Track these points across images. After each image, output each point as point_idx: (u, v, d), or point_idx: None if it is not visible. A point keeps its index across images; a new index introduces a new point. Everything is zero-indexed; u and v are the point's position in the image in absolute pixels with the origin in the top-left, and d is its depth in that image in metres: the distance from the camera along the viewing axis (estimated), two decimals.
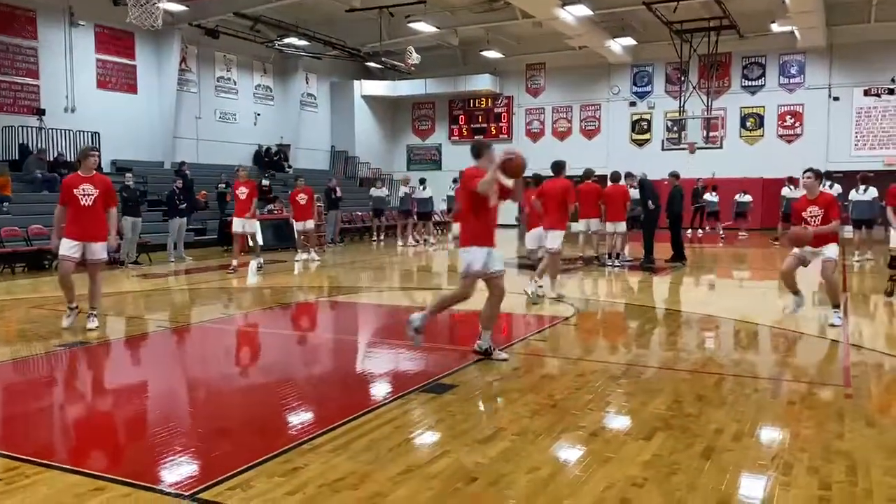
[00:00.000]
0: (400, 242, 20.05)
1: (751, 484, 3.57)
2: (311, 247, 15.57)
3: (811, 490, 3.43)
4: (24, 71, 18.48)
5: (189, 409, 5.20)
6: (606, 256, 14.15)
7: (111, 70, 20.62)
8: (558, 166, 10.05)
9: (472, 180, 5.85)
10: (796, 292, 7.81)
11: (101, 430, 4.71)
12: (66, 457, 3.95)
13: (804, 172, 7.69)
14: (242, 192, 13.34)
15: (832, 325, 7.43)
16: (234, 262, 13.31)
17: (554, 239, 9.72)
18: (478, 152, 6.13)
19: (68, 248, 7.38)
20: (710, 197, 21.48)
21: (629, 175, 14.88)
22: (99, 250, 7.53)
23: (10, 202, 15.12)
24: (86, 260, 7.49)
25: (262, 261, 13.53)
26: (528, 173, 7.34)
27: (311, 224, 15.62)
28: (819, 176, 7.65)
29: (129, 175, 15.28)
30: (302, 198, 15.38)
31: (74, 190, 7.38)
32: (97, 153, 7.87)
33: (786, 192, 19.35)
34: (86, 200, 7.40)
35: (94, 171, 7.62)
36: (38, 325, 7.91)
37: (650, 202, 13.85)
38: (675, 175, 14.73)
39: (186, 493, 3.37)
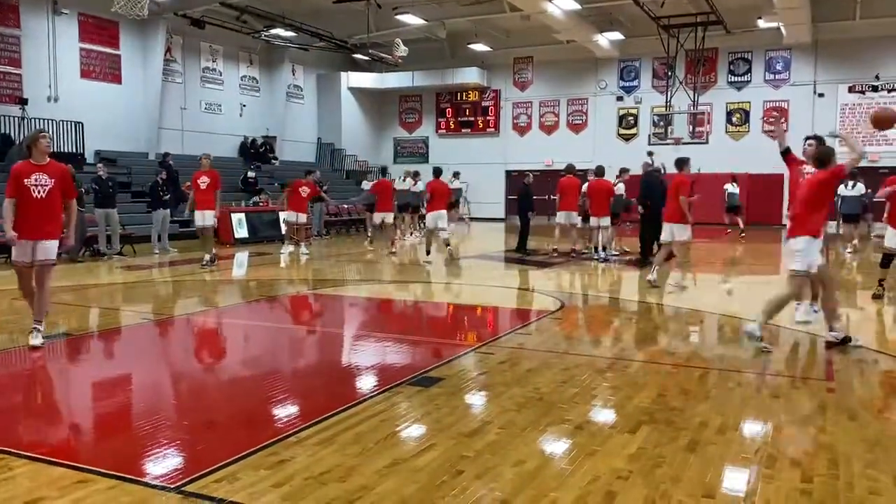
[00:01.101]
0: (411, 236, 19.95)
1: (734, 476, 3.61)
2: (301, 240, 15.47)
3: (794, 483, 3.47)
4: (7, 59, 18.24)
5: (174, 401, 5.17)
6: (593, 250, 14.22)
7: (95, 59, 20.39)
8: (682, 162, 10.88)
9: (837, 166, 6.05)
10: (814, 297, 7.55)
11: (85, 423, 4.69)
12: (50, 449, 3.92)
13: (805, 140, 7.76)
14: (204, 181, 12.65)
15: (801, 322, 7.38)
16: (207, 257, 12.70)
17: (681, 231, 10.36)
18: (827, 161, 6.22)
19: (20, 251, 6.37)
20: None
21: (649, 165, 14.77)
22: (49, 250, 6.37)
23: None
24: (33, 262, 6.35)
25: (212, 256, 12.83)
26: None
27: (303, 218, 15.49)
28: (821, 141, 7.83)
29: (100, 166, 15.03)
30: (304, 190, 15.23)
31: (25, 180, 6.30)
32: (47, 135, 6.80)
33: (728, 187, 20.54)
34: (39, 192, 6.30)
35: (49, 158, 6.54)
36: (21, 316, 7.82)
37: (637, 202, 13.75)
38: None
39: (172, 486, 3.36)
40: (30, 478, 3.46)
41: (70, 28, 19.66)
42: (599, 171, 13.98)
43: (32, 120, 18.19)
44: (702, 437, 4.07)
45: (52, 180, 6.41)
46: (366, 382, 5.51)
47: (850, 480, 3.51)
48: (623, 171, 14.92)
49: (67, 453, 3.89)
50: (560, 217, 14.61)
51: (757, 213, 23.48)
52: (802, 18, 21.97)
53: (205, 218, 12.67)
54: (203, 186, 12.65)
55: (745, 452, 3.90)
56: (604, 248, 14.13)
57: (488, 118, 29.80)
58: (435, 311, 9.42)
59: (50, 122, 18.49)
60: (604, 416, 4.57)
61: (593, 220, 13.94)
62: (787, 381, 5.44)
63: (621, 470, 3.60)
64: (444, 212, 13.65)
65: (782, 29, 23.34)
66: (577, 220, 14.49)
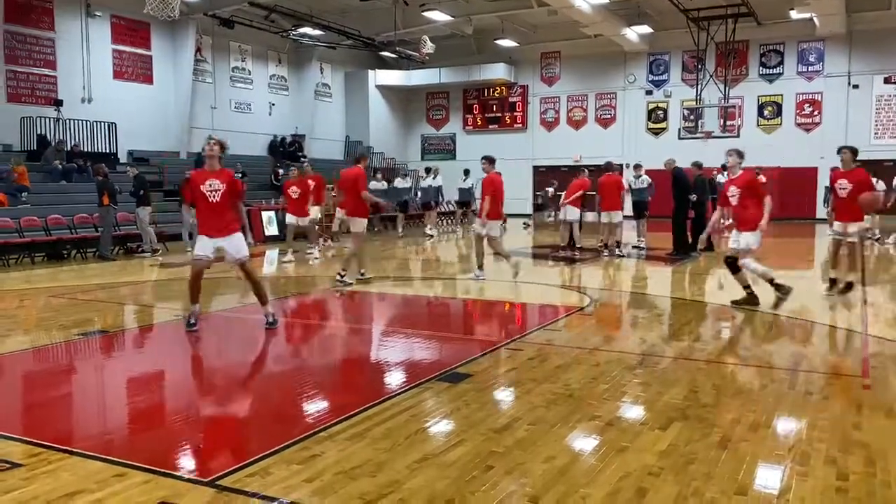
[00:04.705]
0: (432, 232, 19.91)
1: (768, 474, 3.56)
2: (313, 241, 14.59)
3: (829, 480, 3.42)
4: (42, 62, 18.62)
5: (207, 396, 5.25)
6: (614, 246, 14.15)
7: (127, 60, 20.73)
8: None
9: None
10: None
11: (121, 418, 4.77)
12: (87, 443, 4.00)
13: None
14: (215, 188, 7.79)
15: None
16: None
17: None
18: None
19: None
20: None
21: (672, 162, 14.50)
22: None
23: (28, 192, 15.27)
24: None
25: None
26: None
27: (304, 220, 14.03)
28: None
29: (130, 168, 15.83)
30: (294, 191, 13.80)
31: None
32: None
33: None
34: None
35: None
36: (58, 313, 8.00)
37: (693, 195, 13.59)
38: (698, 165, 14.65)
39: (205, 480, 3.41)
40: (69, 471, 3.54)
41: (103, 30, 20.00)
42: (608, 167, 14.18)
43: (67, 121, 18.55)
44: (734, 434, 4.03)
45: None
46: (395, 378, 5.53)
47: (887, 479, 3.45)
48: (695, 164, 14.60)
49: (104, 447, 3.97)
50: (603, 217, 14.18)
51: (790, 207, 23.08)
52: (836, 9, 21.56)
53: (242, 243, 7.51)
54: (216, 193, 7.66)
55: (779, 450, 3.85)
56: (618, 245, 14.05)
57: (516, 114, 29.71)
58: (463, 307, 9.43)
59: (84, 122, 18.85)
60: (634, 412, 4.54)
61: (604, 216, 13.92)
62: (822, 378, 5.35)
63: (652, 466, 3.57)
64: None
65: (815, 20, 22.92)
66: (620, 218, 14.23)
